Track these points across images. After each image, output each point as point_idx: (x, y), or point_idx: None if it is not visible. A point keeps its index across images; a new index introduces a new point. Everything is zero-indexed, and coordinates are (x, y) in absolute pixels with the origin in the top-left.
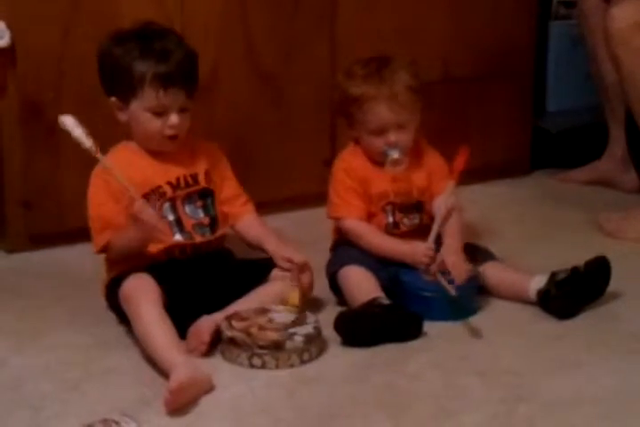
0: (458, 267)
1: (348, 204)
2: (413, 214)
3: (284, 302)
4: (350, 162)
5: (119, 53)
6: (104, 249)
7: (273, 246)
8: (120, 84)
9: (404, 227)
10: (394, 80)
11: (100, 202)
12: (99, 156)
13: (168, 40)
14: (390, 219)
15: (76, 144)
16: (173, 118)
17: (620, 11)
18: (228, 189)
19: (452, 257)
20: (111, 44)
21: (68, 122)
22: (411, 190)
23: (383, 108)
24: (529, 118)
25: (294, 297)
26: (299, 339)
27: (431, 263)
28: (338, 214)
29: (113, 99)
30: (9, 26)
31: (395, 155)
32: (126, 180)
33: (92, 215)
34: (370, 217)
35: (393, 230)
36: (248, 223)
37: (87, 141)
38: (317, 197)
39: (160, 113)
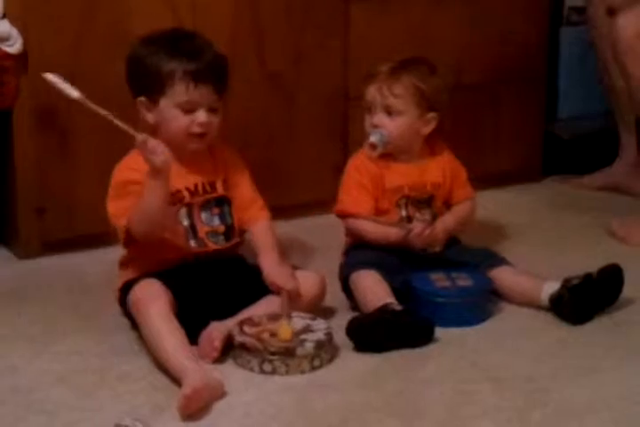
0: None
1: (356, 200)
2: (425, 210)
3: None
4: (363, 158)
5: (149, 53)
6: (128, 237)
7: (267, 268)
8: (149, 82)
9: (417, 222)
10: (404, 74)
11: (122, 194)
12: (91, 105)
13: (198, 41)
14: (404, 213)
15: (90, 150)
16: (201, 115)
17: (626, 20)
18: (244, 194)
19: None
20: (141, 45)
21: (51, 77)
22: (425, 185)
23: (373, 88)
24: (541, 124)
25: (285, 331)
26: (309, 345)
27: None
28: (344, 210)
29: (141, 99)
30: (21, 32)
31: (372, 138)
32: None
33: (114, 207)
34: (382, 213)
35: (407, 225)
36: (256, 231)
37: (74, 92)
38: (328, 203)
39: (189, 110)
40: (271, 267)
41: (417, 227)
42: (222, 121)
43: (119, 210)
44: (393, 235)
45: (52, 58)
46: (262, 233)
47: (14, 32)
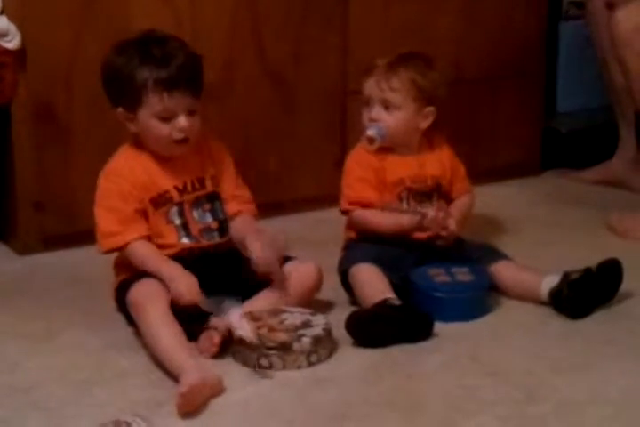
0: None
1: (360, 193)
2: (426, 203)
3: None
4: (362, 152)
5: (120, 63)
6: (113, 251)
7: (257, 252)
8: (124, 93)
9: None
10: (401, 68)
11: (111, 205)
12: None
13: (167, 45)
14: (405, 206)
15: (88, 145)
16: (182, 121)
17: (625, 13)
18: (228, 188)
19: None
20: (112, 55)
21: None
22: (425, 177)
23: (371, 81)
24: (540, 118)
25: None
26: (306, 340)
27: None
28: (347, 207)
29: (120, 110)
30: (20, 28)
31: (370, 131)
32: (135, 184)
33: (103, 218)
34: None
35: None
36: (235, 224)
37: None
38: (327, 199)
39: (167, 118)
40: (259, 254)
41: (430, 211)
42: (220, 118)
43: (108, 225)
44: (406, 221)
45: (50, 54)
46: (242, 224)
47: (12, 28)
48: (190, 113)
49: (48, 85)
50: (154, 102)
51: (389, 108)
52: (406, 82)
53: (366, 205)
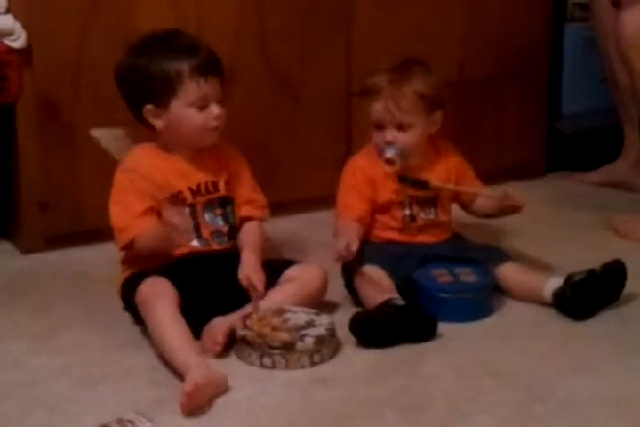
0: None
1: (347, 203)
2: (429, 209)
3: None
4: (359, 161)
5: (144, 62)
6: (128, 247)
7: (245, 268)
8: (155, 89)
9: (420, 220)
10: (404, 83)
11: (126, 201)
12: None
13: (186, 37)
14: (407, 211)
15: (93, 144)
16: (215, 109)
17: (631, 14)
18: (243, 193)
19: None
20: (130, 57)
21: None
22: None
23: (380, 106)
24: (544, 120)
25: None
26: (310, 340)
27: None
28: (337, 212)
29: (148, 106)
30: (25, 26)
31: (388, 154)
32: (150, 182)
33: (117, 214)
34: (383, 212)
35: (410, 223)
36: (244, 229)
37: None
38: (331, 199)
39: (203, 106)
40: (248, 267)
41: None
42: (225, 119)
43: (121, 221)
44: (339, 245)
45: (55, 53)
46: (249, 231)
47: (18, 27)
48: (219, 102)
49: (53, 84)
50: (190, 90)
51: (403, 128)
52: (413, 98)
53: (350, 215)
